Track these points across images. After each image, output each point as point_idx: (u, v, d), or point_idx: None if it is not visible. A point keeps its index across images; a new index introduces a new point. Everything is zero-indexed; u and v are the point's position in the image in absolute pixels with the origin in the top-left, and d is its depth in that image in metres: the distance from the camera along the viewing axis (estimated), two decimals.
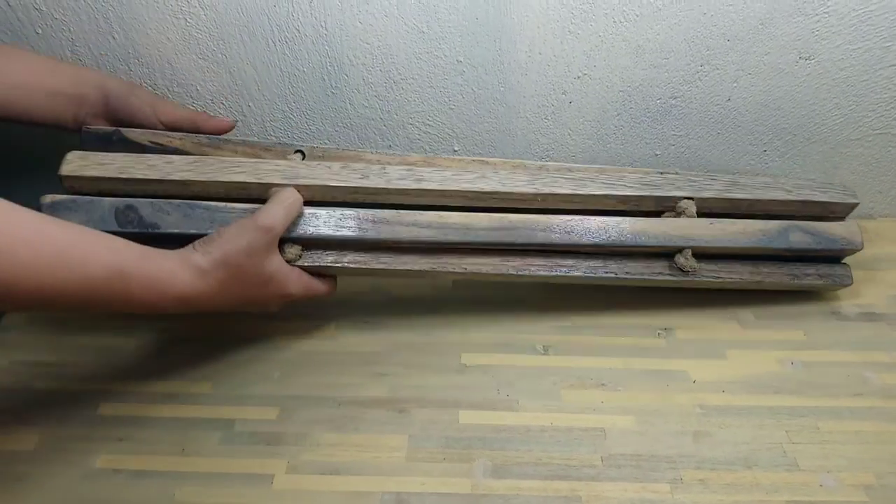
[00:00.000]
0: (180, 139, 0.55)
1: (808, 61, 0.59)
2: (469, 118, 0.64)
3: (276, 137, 0.66)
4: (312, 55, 0.60)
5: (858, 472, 0.48)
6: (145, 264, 0.42)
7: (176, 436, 0.49)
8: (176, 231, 0.49)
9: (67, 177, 0.50)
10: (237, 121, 0.56)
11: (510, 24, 0.57)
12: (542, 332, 0.58)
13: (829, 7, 0.56)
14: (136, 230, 0.49)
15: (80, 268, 0.38)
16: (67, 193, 0.50)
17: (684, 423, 0.51)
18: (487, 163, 0.58)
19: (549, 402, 0.52)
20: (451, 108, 0.63)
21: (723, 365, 0.56)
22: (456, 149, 0.67)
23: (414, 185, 0.53)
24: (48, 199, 0.49)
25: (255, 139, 0.58)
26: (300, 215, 0.51)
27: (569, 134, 0.65)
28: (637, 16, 0.57)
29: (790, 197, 0.57)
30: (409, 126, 0.65)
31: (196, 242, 0.45)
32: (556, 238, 0.54)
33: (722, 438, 0.50)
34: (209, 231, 0.48)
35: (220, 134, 0.56)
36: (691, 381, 0.54)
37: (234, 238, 0.45)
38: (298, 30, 0.58)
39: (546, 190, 0.54)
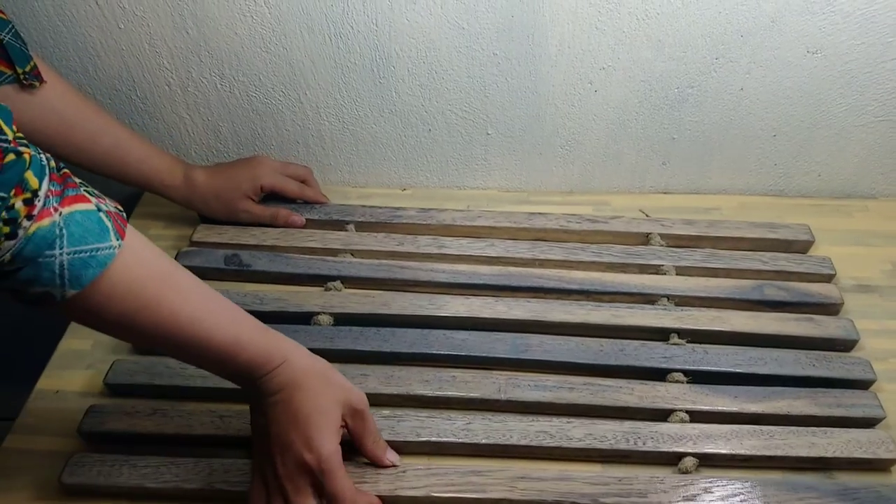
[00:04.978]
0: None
1: (815, 55, 0.65)
2: (502, 105, 0.71)
3: (328, 122, 0.73)
4: (364, 49, 0.67)
5: None
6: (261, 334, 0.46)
7: None
8: (264, 270, 0.66)
9: (196, 241, 0.69)
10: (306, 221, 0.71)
11: (542, 22, 0.64)
12: None
13: (835, 6, 0.61)
14: (236, 268, 0.66)
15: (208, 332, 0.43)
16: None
17: None
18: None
19: None
20: (487, 97, 0.70)
21: None
22: (489, 132, 0.73)
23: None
24: (182, 248, 0.68)
25: (321, 217, 0.72)
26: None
27: (593, 119, 0.71)
28: (658, 13, 0.63)
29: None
30: (448, 112, 0.72)
31: None
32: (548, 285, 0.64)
33: None
34: (289, 270, 0.66)
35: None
36: None
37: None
38: (352, 27, 0.65)
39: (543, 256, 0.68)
